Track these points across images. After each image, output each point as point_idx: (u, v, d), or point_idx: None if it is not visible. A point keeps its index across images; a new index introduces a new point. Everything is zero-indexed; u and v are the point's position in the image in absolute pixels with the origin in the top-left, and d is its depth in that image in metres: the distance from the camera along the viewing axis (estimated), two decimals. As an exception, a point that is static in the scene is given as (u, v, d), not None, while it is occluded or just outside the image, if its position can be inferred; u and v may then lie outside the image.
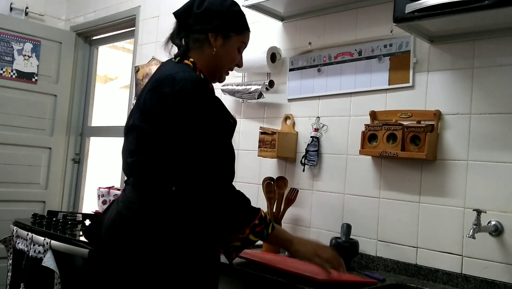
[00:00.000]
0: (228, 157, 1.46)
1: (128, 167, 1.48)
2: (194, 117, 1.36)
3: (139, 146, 1.43)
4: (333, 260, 1.45)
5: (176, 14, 1.55)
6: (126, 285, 1.38)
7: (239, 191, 1.42)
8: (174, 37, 1.57)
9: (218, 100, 1.48)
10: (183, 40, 1.54)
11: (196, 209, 1.38)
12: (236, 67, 1.63)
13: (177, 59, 1.52)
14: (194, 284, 1.40)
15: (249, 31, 1.59)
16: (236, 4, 1.56)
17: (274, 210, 2.14)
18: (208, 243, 1.43)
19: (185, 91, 1.36)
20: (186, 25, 1.53)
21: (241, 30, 1.55)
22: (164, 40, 1.59)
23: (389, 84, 1.97)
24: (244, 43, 1.58)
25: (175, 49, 1.59)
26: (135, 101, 1.52)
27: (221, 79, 1.61)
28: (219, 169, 1.39)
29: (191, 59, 1.51)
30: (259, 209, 1.44)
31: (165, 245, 1.36)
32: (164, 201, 1.39)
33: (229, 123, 1.49)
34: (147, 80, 1.66)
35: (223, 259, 1.49)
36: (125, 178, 1.52)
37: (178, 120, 1.35)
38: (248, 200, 1.44)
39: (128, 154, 1.47)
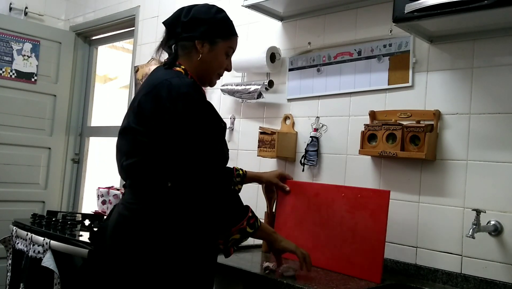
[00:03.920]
0: (221, 155, 1.55)
1: (123, 170, 1.54)
2: (190, 120, 1.43)
3: (135, 147, 1.48)
4: (308, 256, 1.61)
5: (165, 23, 1.63)
6: (132, 284, 1.43)
7: (232, 188, 1.55)
8: (164, 45, 1.65)
9: (210, 105, 1.56)
10: (172, 47, 1.61)
11: (193, 204, 1.45)
12: (226, 71, 1.69)
13: (166, 66, 1.58)
14: (193, 276, 1.47)
15: (237, 36, 1.66)
16: (222, 11, 1.63)
17: (274, 210, 2.14)
18: (205, 235, 1.50)
19: (181, 96, 1.43)
20: (175, 34, 1.60)
21: (227, 36, 1.62)
22: (154, 48, 1.67)
23: (388, 84, 1.97)
24: (231, 48, 1.65)
25: (164, 57, 1.65)
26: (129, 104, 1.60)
27: (211, 84, 1.68)
28: (214, 167, 1.47)
29: (182, 66, 1.57)
30: (247, 205, 1.54)
31: (166, 240, 1.43)
32: (161, 198, 1.46)
33: (220, 126, 1.56)
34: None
35: (220, 257, 1.57)
36: (123, 182, 1.58)
37: (175, 123, 1.42)
38: (239, 196, 1.54)
39: (124, 155, 1.53)
